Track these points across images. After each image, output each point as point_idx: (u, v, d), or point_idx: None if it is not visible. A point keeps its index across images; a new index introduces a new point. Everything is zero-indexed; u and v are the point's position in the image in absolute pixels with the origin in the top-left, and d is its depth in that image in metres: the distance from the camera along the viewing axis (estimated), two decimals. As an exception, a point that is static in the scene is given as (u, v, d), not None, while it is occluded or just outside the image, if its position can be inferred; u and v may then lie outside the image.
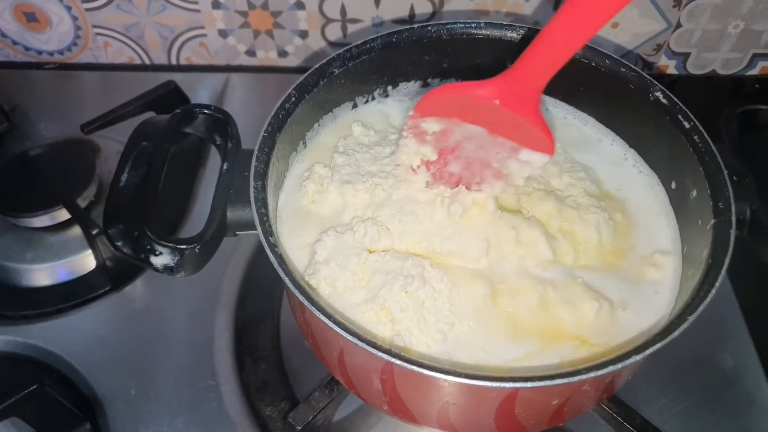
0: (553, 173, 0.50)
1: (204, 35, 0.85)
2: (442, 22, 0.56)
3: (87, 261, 0.67)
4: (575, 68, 0.54)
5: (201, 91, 0.83)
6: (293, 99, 0.49)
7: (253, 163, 0.44)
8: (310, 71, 0.51)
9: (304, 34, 0.85)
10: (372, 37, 0.54)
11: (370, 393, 0.45)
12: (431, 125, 0.48)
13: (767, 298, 0.62)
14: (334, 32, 0.84)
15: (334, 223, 0.48)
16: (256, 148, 0.45)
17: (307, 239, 0.47)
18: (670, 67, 0.88)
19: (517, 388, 0.33)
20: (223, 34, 0.85)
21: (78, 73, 0.87)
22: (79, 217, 0.65)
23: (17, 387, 0.52)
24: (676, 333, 0.35)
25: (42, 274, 0.67)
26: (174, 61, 0.89)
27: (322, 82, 0.52)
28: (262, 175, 0.44)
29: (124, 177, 0.44)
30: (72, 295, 0.66)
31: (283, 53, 0.88)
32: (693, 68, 0.87)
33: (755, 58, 0.85)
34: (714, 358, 0.59)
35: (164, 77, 0.81)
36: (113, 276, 0.66)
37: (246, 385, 0.60)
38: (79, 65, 0.89)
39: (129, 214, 0.43)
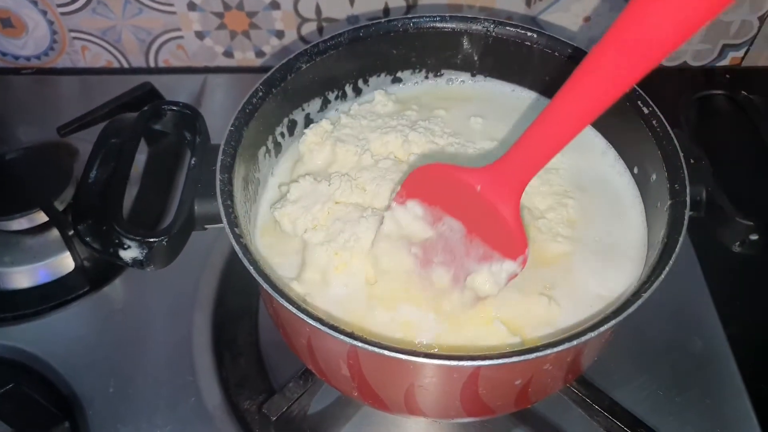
0: (539, 192, 0.50)
1: (181, 37, 0.86)
2: (408, 16, 0.57)
3: (65, 263, 0.68)
4: (538, 57, 0.56)
5: (179, 92, 0.84)
6: (260, 94, 0.50)
7: (220, 156, 0.45)
8: (277, 66, 0.52)
9: (280, 34, 0.86)
10: (339, 32, 0.55)
11: (339, 380, 0.45)
12: (414, 209, 0.45)
13: (734, 280, 0.63)
14: (310, 31, 0.85)
15: (320, 174, 0.52)
16: (223, 141, 0.46)
17: (287, 179, 0.53)
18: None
19: (477, 367, 0.34)
20: (200, 35, 0.86)
21: (56, 78, 0.88)
22: (56, 218, 0.65)
23: (-6, 388, 0.53)
24: (631, 309, 0.36)
25: (20, 277, 0.67)
26: (152, 64, 0.89)
27: (289, 77, 0.52)
28: (229, 168, 0.45)
29: (92, 174, 0.45)
30: (51, 296, 0.66)
31: (260, 53, 0.88)
32: (664, 60, 0.88)
33: (725, 48, 0.86)
34: (684, 341, 0.60)
35: (142, 80, 0.81)
36: (92, 277, 0.66)
37: (225, 380, 0.60)
38: (57, 70, 0.89)
39: (97, 210, 0.44)
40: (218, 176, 0.44)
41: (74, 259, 0.66)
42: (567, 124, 0.36)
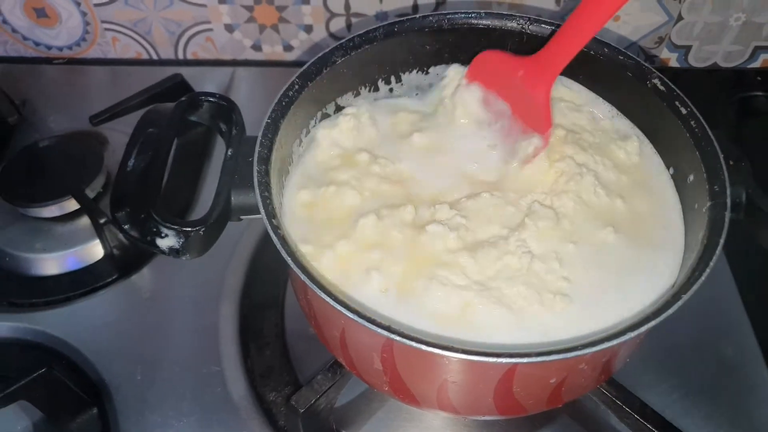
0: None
1: (210, 30, 0.87)
2: (442, 12, 0.57)
3: (95, 250, 0.69)
4: (577, 57, 0.55)
5: (207, 84, 0.84)
6: (296, 87, 0.50)
7: (257, 148, 0.45)
8: (313, 59, 0.52)
9: (308, 29, 0.86)
10: (374, 26, 0.55)
11: (371, 374, 0.45)
12: (475, 93, 0.55)
13: (766, 284, 0.63)
14: (339, 26, 0.85)
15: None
16: (260, 133, 0.46)
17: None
18: (672, 60, 0.88)
19: (514, 364, 0.34)
20: (229, 28, 0.86)
21: (87, 68, 0.88)
22: (88, 206, 0.66)
23: (26, 372, 0.53)
24: (670, 311, 0.36)
25: (51, 263, 0.68)
26: (181, 56, 0.90)
27: (325, 71, 0.53)
28: (266, 160, 0.45)
29: (130, 162, 0.46)
30: (80, 283, 0.67)
31: (288, 47, 0.89)
32: (695, 61, 0.87)
33: (757, 50, 0.85)
34: (714, 345, 0.60)
35: (171, 71, 0.82)
36: (120, 265, 0.67)
37: (250, 370, 0.61)
38: (88, 60, 0.90)
39: (135, 199, 0.44)
40: (255, 167, 0.44)
41: (104, 247, 0.67)
42: (584, 28, 0.46)
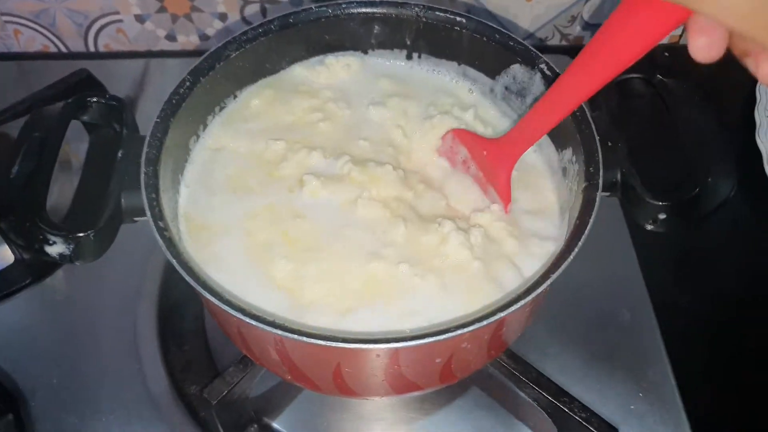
0: None
1: (120, 21, 0.84)
2: (340, 1, 0.57)
3: (5, 255, 0.67)
4: (469, 42, 0.57)
5: (120, 78, 0.82)
6: (188, 83, 0.50)
7: (145, 149, 0.45)
8: (205, 55, 0.52)
9: (223, 17, 0.85)
10: (269, 18, 0.55)
11: (273, 365, 0.47)
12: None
13: (663, 254, 0.67)
14: (253, 11, 0.84)
15: None
16: (148, 134, 0.46)
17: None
18: (585, 38, 0.91)
19: (389, 349, 0.36)
20: (140, 19, 0.84)
21: (-9, 64, 0.85)
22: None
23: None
24: (529, 298, 0.38)
25: (-40, 271, 0.66)
26: (92, 48, 0.87)
27: (218, 65, 0.52)
28: (154, 161, 0.45)
29: (14, 169, 0.45)
30: (-9, 289, 0.66)
31: (204, 36, 0.87)
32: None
33: (662, 26, 0.88)
34: (614, 313, 0.63)
35: (82, 65, 0.80)
36: (33, 269, 0.66)
37: (170, 366, 0.61)
38: (-9, 54, 0.86)
39: (20, 206, 0.43)
40: (143, 169, 0.44)
41: (13, 252, 0.65)
42: (551, 113, 0.46)
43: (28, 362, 0.61)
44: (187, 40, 0.88)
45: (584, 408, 0.50)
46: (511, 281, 0.45)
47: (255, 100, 0.57)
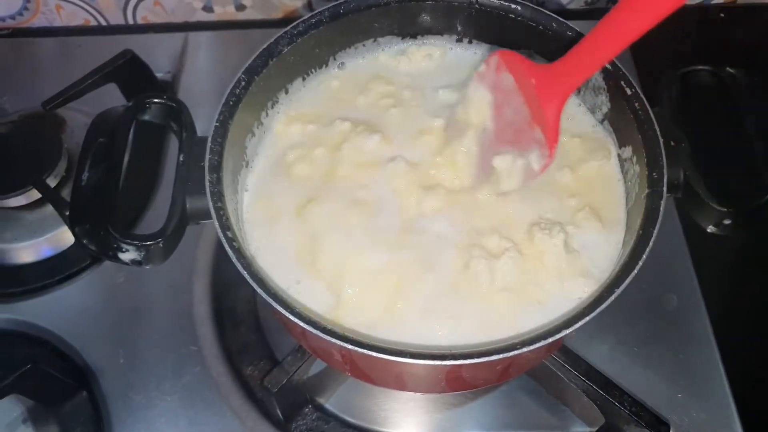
0: None
1: (158, -7, 0.83)
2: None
3: (66, 236, 0.69)
4: (523, 32, 0.55)
5: (160, 54, 0.81)
6: (243, 83, 0.50)
7: (207, 155, 0.46)
8: (258, 53, 0.51)
9: (260, -14, 0.83)
10: (318, 10, 0.53)
11: (333, 363, 0.49)
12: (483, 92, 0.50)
13: (714, 243, 0.65)
14: (291, -18, 0.82)
15: None
16: (209, 138, 0.46)
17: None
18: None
19: (448, 365, 0.37)
20: (177, -9, 0.83)
21: (33, 40, 0.85)
22: (49, 197, 0.66)
23: (13, 364, 0.56)
24: (600, 309, 0.39)
25: (24, 252, 0.69)
26: (131, 21, 0.87)
27: (271, 62, 0.52)
28: (217, 168, 0.45)
29: (84, 176, 0.46)
30: (55, 270, 0.68)
31: (240, 7, 0.85)
32: None
33: (720, -13, 0.83)
34: (660, 299, 0.63)
35: (121, 39, 0.79)
36: (92, 250, 0.68)
37: (227, 348, 0.64)
38: (34, 30, 0.86)
39: (93, 214, 0.45)
40: (207, 177, 0.45)
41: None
42: (610, 41, 0.40)
43: (95, 341, 0.64)
44: (224, 10, 0.86)
45: (634, 402, 0.51)
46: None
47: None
